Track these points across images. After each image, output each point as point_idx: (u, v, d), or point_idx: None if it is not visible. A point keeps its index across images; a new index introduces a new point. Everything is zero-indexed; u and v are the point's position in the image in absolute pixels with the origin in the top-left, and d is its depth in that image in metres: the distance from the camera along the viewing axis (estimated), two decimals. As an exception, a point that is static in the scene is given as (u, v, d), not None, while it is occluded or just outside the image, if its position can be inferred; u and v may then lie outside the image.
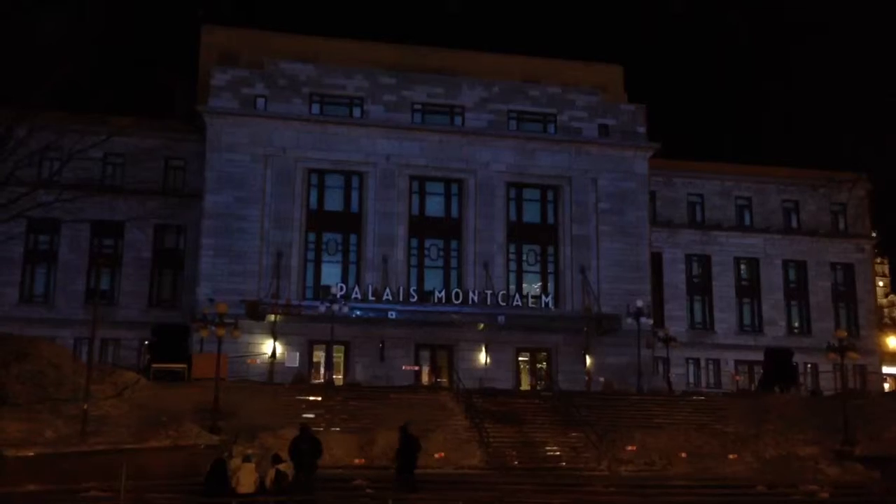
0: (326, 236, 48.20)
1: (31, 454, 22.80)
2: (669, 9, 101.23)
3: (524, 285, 49.37)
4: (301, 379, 42.00)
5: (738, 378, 52.59)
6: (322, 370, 45.24)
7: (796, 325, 56.11)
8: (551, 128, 51.45)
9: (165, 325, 42.58)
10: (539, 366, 49.52)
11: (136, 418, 29.26)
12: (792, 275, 56.74)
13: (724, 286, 55.37)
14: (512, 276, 49.42)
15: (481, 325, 46.77)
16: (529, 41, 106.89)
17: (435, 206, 49.83)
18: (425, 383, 45.66)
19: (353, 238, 48.28)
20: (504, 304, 46.49)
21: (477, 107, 50.56)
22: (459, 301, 46.19)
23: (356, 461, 29.52)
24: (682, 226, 55.45)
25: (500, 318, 46.07)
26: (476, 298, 46.47)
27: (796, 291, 56.50)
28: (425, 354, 47.87)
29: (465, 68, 52.08)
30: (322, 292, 45.38)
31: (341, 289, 45.08)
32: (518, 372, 48.70)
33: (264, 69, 48.85)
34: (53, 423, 27.04)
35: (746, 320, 55.64)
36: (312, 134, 48.00)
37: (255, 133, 47.36)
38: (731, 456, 32.35)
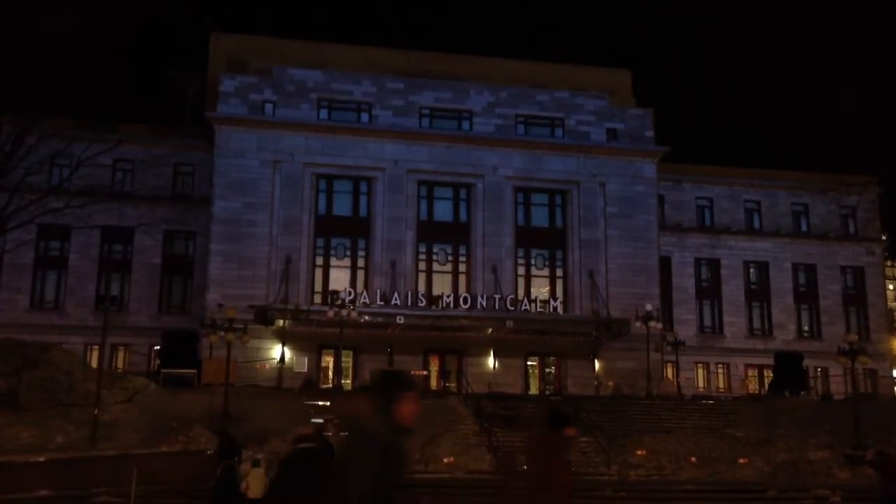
0: (335, 241, 48.30)
1: (42, 459, 22.89)
2: (670, 11, 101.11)
3: (532, 290, 49.31)
4: (310, 384, 42.05)
5: (748, 382, 52.40)
6: (331, 375, 45.30)
7: (806, 328, 55.86)
8: (559, 132, 51.44)
9: (175, 330, 42.75)
10: (548, 370, 49.43)
11: (146, 423, 29.35)
12: (802, 278, 56.50)
13: (733, 290, 55.19)
14: (520, 281, 49.38)
15: (490, 330, 46.73)
16: (537, 46, 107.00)
17: (443, 211, 49.87)
18: (434, 388, 45.67)
19: (361, 243, 48.35)
20: (512, 308, 46.44)
21: (485, 111, 50.61)
22: (468, 306, 46.17)
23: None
24: (690, 229, 55.30)
25: (509, 323, 46.03)
26: (484, 303, 46.44)
27: (806, 295, 56.25)
28: (434, 359, 47.87)
29: (472, 73, 52.14)
30: (330, 297, 45.41)
31: (349, 293, 45.11)
32: (527, 376, 48.62)
33: (272, 75, 49.03)
34: (64, 428, 27.18)
35: (756, 324, 55.40)
36: (320, 139, 48.13)
37: (263, 139, 47.52)
38: (741, 460, 32.23)
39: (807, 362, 48.41)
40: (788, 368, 46.44)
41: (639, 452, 32.11)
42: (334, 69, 50.10)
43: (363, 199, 48.91)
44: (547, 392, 46.79)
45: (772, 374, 48.54)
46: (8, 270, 45.44)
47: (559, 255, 50.17)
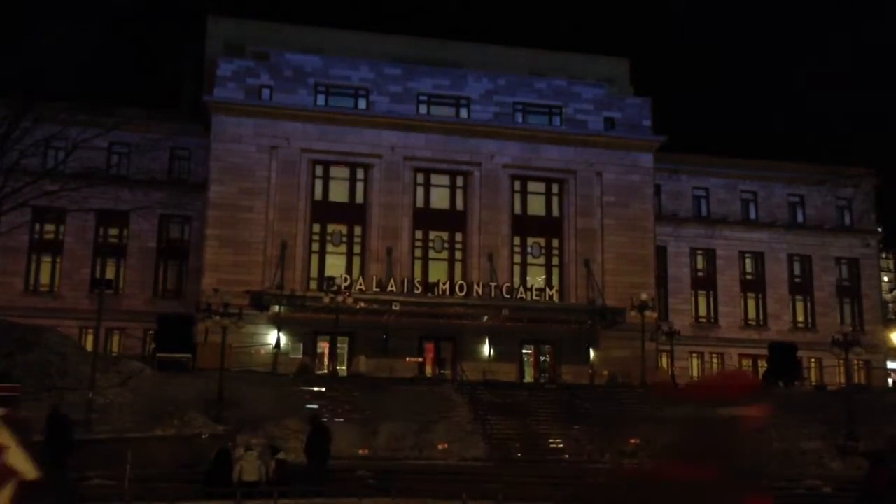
0: (331, 227, 48.20)
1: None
2: (669, 7, 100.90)
3: (528, 278, 49.31)
4: (305, 370, 42.02)
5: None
6: (326, 361, 45.31)
7: (801, 319, 55.96)
8: (557, 120, 51.33)
9: (170, 314, 42.72)
10: (543, 358, 49.50)
11: (141, 407, 29.37)
12: (797, 269, 56.57)
13: (728, 280, 55.24)
14: (516, 269, 49.37)
15: (485, 318, 46.74)
16: (536, 34, 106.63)
17: (440, 198, 49.77)
18: (429, 375, 45.71)
19: (357, 229, 48.25)
20: (508, 296, 46.46)
21: (482, 99, 50.45)
22: (464, 293, 46.17)
23: (360, 452, 29.62)
24: (687, 219, 55.29)
25: (504, 311, 46.05)
26: (480, 291, 46.43)
27: (801, 286, 56.35)
28: (429, 346, 47.88)
29: (471, 60, 51.94)
30: (326, 283, 45.37)
31: (345, 280, 45.06)
32: (522, 364, 48.69)
33: (270, 60, 48.78)
34: (58, 411, 27.08)
35: (751, 315, 55.49)
36: (317, 125, 47.94)
37: (260, 124, 47.31)
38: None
39: (801, 353, 48.56)
40: (782, 359, 46.57)
41: (632, 441, 32.22)
42: (332, 54, 49.85)
43: (360, 186, 48.78)
44: (542, 381, 46.88)
45: (766, 365, 48.65)
46: (2, 253, 45.23)
47: (555, 243, 50.15)
